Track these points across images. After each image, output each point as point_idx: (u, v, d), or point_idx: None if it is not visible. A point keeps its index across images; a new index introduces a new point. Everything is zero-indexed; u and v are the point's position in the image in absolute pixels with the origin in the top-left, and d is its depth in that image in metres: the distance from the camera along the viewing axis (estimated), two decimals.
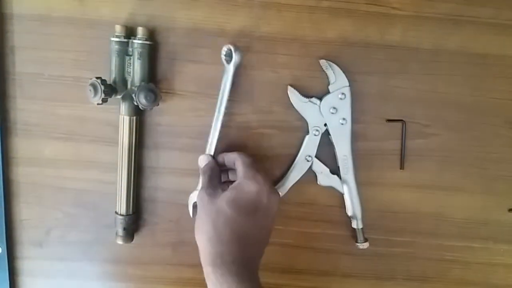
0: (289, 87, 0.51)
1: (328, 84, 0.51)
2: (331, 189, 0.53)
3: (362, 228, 0.53)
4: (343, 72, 0.50)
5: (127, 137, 0.50)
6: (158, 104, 0.48)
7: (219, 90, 0.50)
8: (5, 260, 0.54)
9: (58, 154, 0.53)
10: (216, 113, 0.50)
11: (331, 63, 0.50)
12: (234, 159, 0.48)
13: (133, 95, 0.47)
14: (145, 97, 0.46)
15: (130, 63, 0.49)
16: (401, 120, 0.53)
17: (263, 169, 0.49)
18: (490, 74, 0.52)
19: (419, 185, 0.54)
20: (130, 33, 0.49)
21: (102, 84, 0.45)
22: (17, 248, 0.55)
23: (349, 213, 0.53)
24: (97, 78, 0.46)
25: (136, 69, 0.48)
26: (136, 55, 0.48)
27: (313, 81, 0.51)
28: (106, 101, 0.46)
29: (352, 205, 0.53)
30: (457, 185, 0.54)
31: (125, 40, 0.48)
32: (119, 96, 0.49)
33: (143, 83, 0.48)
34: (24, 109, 0.52)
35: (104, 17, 0.50)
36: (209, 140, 0.50)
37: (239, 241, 0.42)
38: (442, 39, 0.51)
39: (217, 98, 0.50)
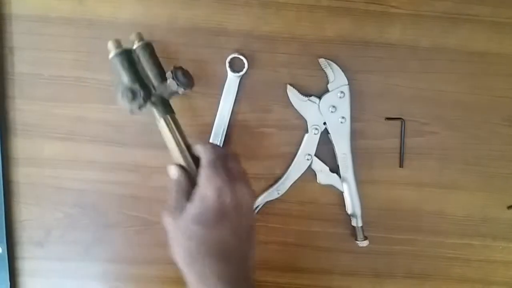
0: (288, 86, 0.51)
1: (327, 82, 0.51)
2: (331, 187, 0.53)
3: (361, 226, 0.54)
4: (342, 70, 0.50)
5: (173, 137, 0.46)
6: (194, 84, 0.47)
7: (220, 90, 0.50)
8: (6, 261, 0.54)
9: (57, 154, 0.53)
10: (216, 122, 0.51)
11: (330, 61, 0.50)
12: (199, 153, 0.43)
13: (171, 79, 0.45)
14: (183, 74, 0.45)
15: (143, 67, 0.46)
16: (400, 119, 0.53)
17: (229, 161, 0.42)
18: (489, 72, 0.52)
19: (418, 183, 0.54)
20: (125, 42, 0.45)
21: (141, 88, 0.43)
22: (18, 248, 0.55)
23: (349, 211, 0.53)
24: (132, 82, 0.43)
25: (150, 69, 0.45)
26: (144, 58, 0.45)
27: (312, 79, 0.52)
28: (144, 106, 0.44)
29: (351, 203, 0.53)
30: (456, 182, 0.54)
31: (128, 49, 0.45)
32: (153, 100, 0.45)
33: (169, 71, 0.46)
34: (23, 109, 0.52)
35: (103, 17, 0.50)
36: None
37: (217, 257, 0.38)
38: (440, 37, 0.51)
39: (217, 98, 0.50)
